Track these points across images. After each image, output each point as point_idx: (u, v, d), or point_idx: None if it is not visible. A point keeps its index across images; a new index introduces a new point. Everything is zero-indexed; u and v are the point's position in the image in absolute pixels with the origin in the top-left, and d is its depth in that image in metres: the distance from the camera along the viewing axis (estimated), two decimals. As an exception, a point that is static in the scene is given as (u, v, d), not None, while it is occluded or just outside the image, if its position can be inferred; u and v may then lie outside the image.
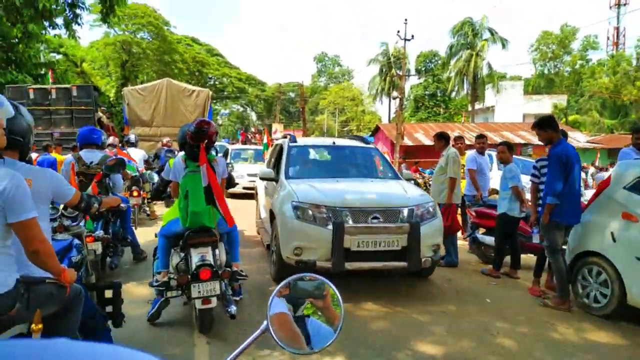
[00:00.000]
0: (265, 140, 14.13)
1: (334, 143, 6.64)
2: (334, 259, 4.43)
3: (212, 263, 3.63)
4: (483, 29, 41.22)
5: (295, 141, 6.36)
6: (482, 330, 4.07)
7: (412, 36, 25.11)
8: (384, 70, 51.37)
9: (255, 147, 17.73)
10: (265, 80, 59.52)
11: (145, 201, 9.28)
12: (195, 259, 3.63)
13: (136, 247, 5.98)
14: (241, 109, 63.25)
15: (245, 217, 9.15)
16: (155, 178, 8.13)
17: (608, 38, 51.30)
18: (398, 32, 24.97)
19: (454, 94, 47.50)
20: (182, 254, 3.81)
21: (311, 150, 6.74)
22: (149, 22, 31.77)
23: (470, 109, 44.06)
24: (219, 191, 3.71)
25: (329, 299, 1.29)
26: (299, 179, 5.47)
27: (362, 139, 6.96)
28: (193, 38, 48.05)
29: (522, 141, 33.74)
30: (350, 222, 4.54)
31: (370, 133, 42.77)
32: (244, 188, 12.55)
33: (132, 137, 10.36)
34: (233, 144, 28.70)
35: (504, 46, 41.50)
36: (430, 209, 4.95)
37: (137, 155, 9.37)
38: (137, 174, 8.24)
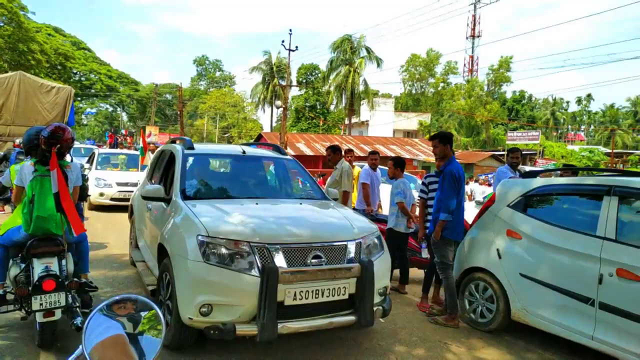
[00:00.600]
0: (141, 144, 12.62)
1: (243, 152, 5.03)
2: (263, 319, 3.10)
3: (58, 273, 3.42)
4: (361, 47, 43.51)
5: (192, 147, 4.82)
6: (381, 356, 3.90)
7: (297, 47, 25.33)
8: (266, 79, 51.52)
9: (128, 151, 15.73)
10: (139, 79, 55.67)
11: None
12: (38, 270, 3.39)
13: None
14: (110, 109, 58.24)
15: (114, 232, 8.11)
16: None
17: (465, 65, 57.78)
18: (282, 42, 24.96)
19: (332, 107, 49.42)
20: (23, 265, 3.54)
21: (214, 161, 5.35)
22: (0, 5, 27.49)
23: (347, 122, 46.16)
24: (68, 199, 3.45)
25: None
26: (201, 200, 4.10)
27: (277, 148, 5.66)
28: (56, 28, 43.05)
29: (393, 155, 36.33)
30: (284, 264, 3.27)
31: (253, 141, 42.53)
32: (113, 199, 11.21)
33: (-33, 136, 8.72)
34: (100, 146, 26.05)
35: (378, 65, 44.25)
36: (376, 241, 3.90)
37: None
38: None
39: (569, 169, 7.36)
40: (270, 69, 51.56)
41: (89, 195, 10.33)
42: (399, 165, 6.10)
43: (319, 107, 53.46)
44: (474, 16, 55.37)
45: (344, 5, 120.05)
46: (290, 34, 24.94)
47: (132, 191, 10.92)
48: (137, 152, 13.70)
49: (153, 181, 5.42)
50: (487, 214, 4.82)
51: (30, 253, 3.45)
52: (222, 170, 5.46)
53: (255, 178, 5.10)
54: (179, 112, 45.42)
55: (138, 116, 57.48)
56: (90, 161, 12.51)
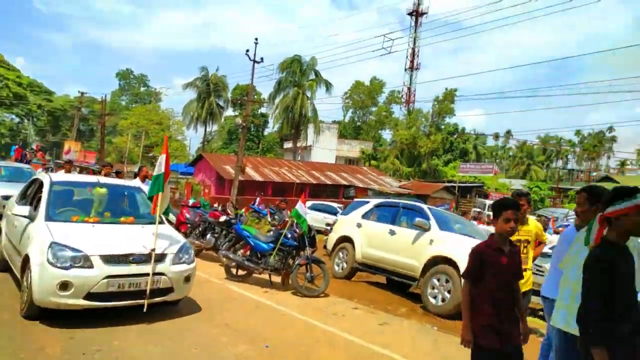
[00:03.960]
0: (161, 170, 5.27)
1: None
2: None
3: None
4: (310, 69, 41.51)
5: None
6: None
7: (262, 59, 22.42)
8: (202, 96, 47.75)
9: (111, 180, 7.05)
10: (53, 89, 49.03)
11: None
12: None
13: None
14: (17, 120, 50.33)
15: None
16: None
17: (402, 96, 58.27)
18: (247, 51, 21.97)
19: (274, 128, 46.81)
20: None
21: None
22: None
23: (286, 146, 43.62)
24: None
25: None
26: None
27: None
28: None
29: (345, 182, 34.33)
30: None
31: (190, 162, 38.34)
32: (90, 297, 4.57)
33: None
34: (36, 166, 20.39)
35: (327, 89, 42.64)
36: None
37: None
38: None
39: None
40: (207, 86, 47.98)
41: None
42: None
43: (252, 129, 50.63)
44: (413, 49, 56.18)
45: (270, 28, 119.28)
46: (256, 44, 21.90)
47: (139, 275, 4.78)
48: (134, 183, 7.42)
49: None
50: None
51: None
52: None
53: None
54: (100, 127, 40.08)
55: (49, 130, 50.14)
56: (28, 199, 5.96)
